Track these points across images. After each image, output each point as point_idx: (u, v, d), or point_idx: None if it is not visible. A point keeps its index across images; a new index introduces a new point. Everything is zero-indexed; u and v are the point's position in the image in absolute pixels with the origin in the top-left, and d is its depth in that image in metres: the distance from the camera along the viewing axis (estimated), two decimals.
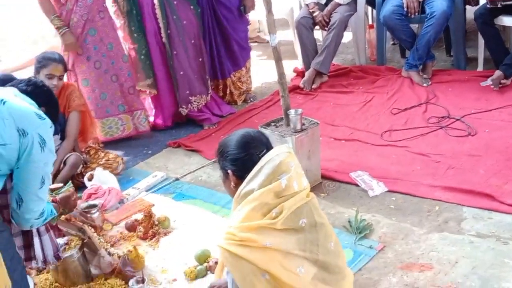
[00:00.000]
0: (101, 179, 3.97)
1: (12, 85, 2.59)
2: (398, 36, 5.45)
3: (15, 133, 2.29)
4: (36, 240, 2.64)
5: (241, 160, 2.32)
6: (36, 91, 2.60)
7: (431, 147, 4.09)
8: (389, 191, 3.62)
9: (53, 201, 2.78)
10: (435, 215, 3.34)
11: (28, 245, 2.62)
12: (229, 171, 2.36)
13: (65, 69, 4.14)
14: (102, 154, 4.26)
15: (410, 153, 4.06)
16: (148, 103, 5.13)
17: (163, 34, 4.77)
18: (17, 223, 2.45)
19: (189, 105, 4.96)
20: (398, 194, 3.59)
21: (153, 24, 4.75)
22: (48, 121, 2.42)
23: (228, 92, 5.37)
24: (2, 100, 2.31)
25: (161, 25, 4.74)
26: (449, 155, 3.94)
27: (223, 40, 5.20)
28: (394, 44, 6.31)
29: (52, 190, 2.91)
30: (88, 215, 3.37)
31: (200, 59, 4.96)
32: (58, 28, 4.46)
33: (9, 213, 2.41)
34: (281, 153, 2.29)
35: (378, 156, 4.08)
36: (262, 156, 2.28)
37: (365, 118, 4.73)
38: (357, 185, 3.73)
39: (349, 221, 3.33)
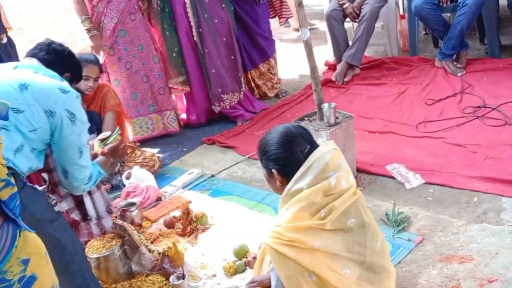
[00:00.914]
0: (139, 177, 4.03)
1: (33, 55, 2.59)
2: (431, 26, 5.39)
3: (43, 115, 2.31)
4: (87, 200, 2.72)
5: (285, 159, 2.27)
6: (57, 58, 2.60)
7: (467, 137, 4.05)
8: (426, 183, 3.60)
9: (101, 153, 2.84)
10: (473, 206, 3.31)
11: (79, 204, 2.71)
12: (273, 170, 2.31)
13: (101, 71, 4.22)
14: (139, 153, 4.32)
15: (446, 144, 4.02)
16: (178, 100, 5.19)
17: (194, 33, 4.81)
18: (70, 191, 2.56)
19: (222, 103, 5.00)
20: (436, 186, 3.56)
21: (184, 22, 4.80)
22: (72, 93, 2.41)
23: (254, 85, 5.40)
24: (24, 84, 2.30)
25: (192, 23, 4.78)
26: (486, 145, 3.89)
27: (246, 34, 5.22)
28: (426, 34, 6.25)
29: (101, 140, 2.95)
30: (127, 213, 3.43)
31: (232, 57, 4.99)
32: (87, 30, 4.54)
33: (53, 176, 2.52)
34: (329, 150, 2.25)
35: (413, 148, 4.05)
36: (307, 152, 2.25)
37: (399, 110, 4.70)
38: (393, 177, 3.71)
39: (386, 214, 3.31)
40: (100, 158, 2.82)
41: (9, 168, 2.06)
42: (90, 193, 2.73)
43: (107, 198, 2.86)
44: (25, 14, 7.78)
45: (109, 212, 2.85)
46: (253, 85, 5.40)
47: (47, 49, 2.61)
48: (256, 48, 5.32)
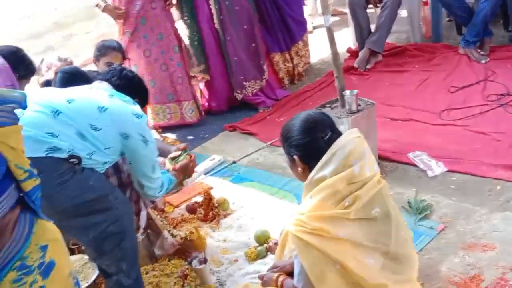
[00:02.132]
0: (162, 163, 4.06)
1: (104, 79, 2.73)
2: (454, 13, 5.33)
3: (118, 137, 2.49)
4: (143, 213, 3.05)
5: (306, 145, 2.26)
6: (128, 84, 2.75)
7: (491, 125, 4.01)
8: (448, 171, 3.58)
9: (173, 169, 3.02)
10: (496, 194, 3.29)
11: (137, 214, 3.00)
12: (294, 156, 2.30)
13: (124, 57, 4.24)
14: (161, 139, 4.35)
15: (469, 132, 3.99)
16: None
17: (215, 20, 4.81)
18: (146, 197, 2.89)
19: (244, 90, 5.00)
20: (458, 174, 3.54)
21: (205, 10, 4.80)
22: (144, 118, 2.60)
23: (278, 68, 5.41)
24: (103, 108, 2.46)
25: (213, 11, 4.78)
26: (510, 133, 3.85)
27: (279, 16, 5.23)
28: (449, 20, 6.17)
29: (172, 159, 3.11)
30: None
31: (254, 45, 4.98)
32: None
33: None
34: (353, 138, 2.24)
35: (436, 136, 4.03)
36: (328, 139, 2.23)
37: (422, 97, 4.67)
38: (415, 165, 3.69)
39: (408, 202, 3.31)
40: (171, 173, 3.00)
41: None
42: (146, 206, 3.10)
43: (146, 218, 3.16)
44: (61, 9, 7.87)
45: (145, 229, 3.16)
46: (276, 68, 5.40)
47: (119, 74, 2.76)
48: (286, 32, 5.33)
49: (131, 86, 2.74)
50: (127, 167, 2.78)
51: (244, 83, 4.98)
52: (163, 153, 3.15)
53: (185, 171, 3.09)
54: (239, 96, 5.02)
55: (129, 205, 2.71)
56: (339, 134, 2.29)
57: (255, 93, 5.04)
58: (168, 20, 4.75)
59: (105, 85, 2.67)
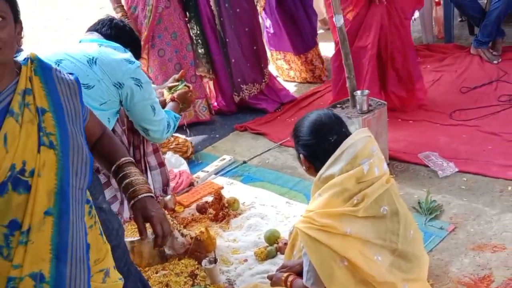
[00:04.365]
0: (172, 162, 4.08)
1: (95, 29, 2.67)
2: (466, 13, 5.31)
3: (113, 88, 2.43)
4: (146, 176, 2.90)
5: (312, 147, 2.32)
6: (119, 33, 2.68)
7: (502, 126, 3.99)
8: (459, 171, 3.57)
9: (171, 100, 2.95)
10: (507, 195, 3.27)
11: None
12: (301, 155, 2.38)
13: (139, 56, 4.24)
14: (172, 139, 4.36)
15: (481, 132, 3.97)
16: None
17: (216, 22, 4.82)
18: (155, 142, 2.82)
19: (241, 92, 5.01)
20: (469, 175, 3.53)
21: (207, 11, 4.81)
22: (137, 63, 2.53)
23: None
24: (93, 58, 2.40)
25: (214, 12, 4.79)
26: None
27: (305, 16, 5.33)
28: (462, 21, 6.14)
29: (170, 88, 3.05)
30: (160, 198, 3.49)
31: (255, 47, 4.98)
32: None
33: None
34: (363, 137, 2.27)
35: (447, 136, 4.02)
36: (334, 142, 2.26)
37: (433, 97, 4.64)
38: (426, 166, 3.68)
39: (419, 202, 3.30)
40: (170, 104, 2.93)
41: None
42: (150, 169, 2.91)
43: (168, 178, 3.03)
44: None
45: (165, 192, 3.01)
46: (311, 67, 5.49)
47: (109, 24, 2.70)
48: (310, 32, 5.43)
49: (123, 36, 2.68)
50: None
51: (242, 85, 4.98)
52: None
53: (184, 100, 3.00)
54: (236, 98, 5.02)
55: (115, 216, 2.58)
56: (349, 135, 2.31)
57: (254, 96, 5.03)
58: (181, 18, 4.75)
59: (94, 36, 2.61)
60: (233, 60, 4.91)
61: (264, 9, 5.39)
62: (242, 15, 4.85)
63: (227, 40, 4.85)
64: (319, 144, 2.30)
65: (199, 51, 4.92)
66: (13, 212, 1.52)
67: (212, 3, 4.77)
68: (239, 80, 4.97)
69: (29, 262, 1.53)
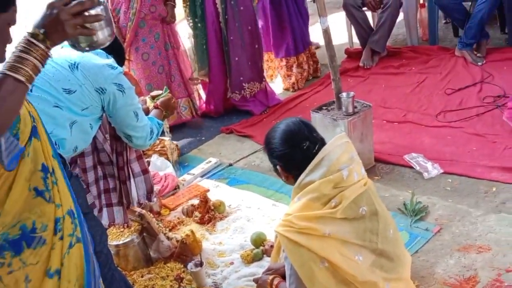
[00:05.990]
0: (157, 165, 4.06)
1: None
2: (451, 15, 5.34)
3: (95, 93, 2.39)
4: (129, 183, 2.87)
5: (285, 156, 2.34)
6: None
7: (487, 127, 4.02)
8: (444, 172, 3.58)
9: (154, 107, 2.94)
10: (492, 196, 3.29)
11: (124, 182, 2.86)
12: (277, 166, 2.40)
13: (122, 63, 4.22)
14: (158, 142, 4.34)
15: (465, 133, 3.99)
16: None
17: (221, 19, 4.80)
18: (138, 149, 2.82)
19: (242, 91, 5.00)
20: (454, 176, 3.55)
21: (211, 8, 4.79)
22: (120, 69, 2.50)
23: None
24: (74, 63, 2.37)
25: (219, 10, 4.78)
26: (506, 135, 3.86)
27: (301, 20, 5.38)
28: (446, 23, 6.18)
29: (153, 97, 3.05)
30: (146, 201, 3.46)
31: (256, 46, 4.98)
32: None
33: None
34: (342, 143, 2.30)
35: (432, 138, 4.03)
36: (306, 149, 2.28)
37: (418, 99, 4.67)
38: (411, 167, 3.70)
39: (404, 204, 3.31)
40: (154, 111, 2.92)
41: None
42: (134, 176, 2.89)
43: (152, 184, 2.98)
44: None
45: (149, 200, 2.98)
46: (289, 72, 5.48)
47: None
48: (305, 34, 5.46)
49: None
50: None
51: (244, 84, 4.98)
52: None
53: (167, 107, 2.99)
54: (237, 97, 5.00)
55: (98, 222, 2.56)
56: (320, 139, 2.34)
57: (252, 95, 5.03)
58: (163, 19, 4.73)
59: None
60: (236, 59, 4.90)
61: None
62: (245, 13, 4.84)
63: (231, 38, 4.84)
64: (293, 153, 2.32)
65: (201, 55, 4.92)
66: (41, 156, 1.63)
67: (217, 0, 4.75)
68: (241, 78, 4.97)
69: (64, 201, 1.69)
